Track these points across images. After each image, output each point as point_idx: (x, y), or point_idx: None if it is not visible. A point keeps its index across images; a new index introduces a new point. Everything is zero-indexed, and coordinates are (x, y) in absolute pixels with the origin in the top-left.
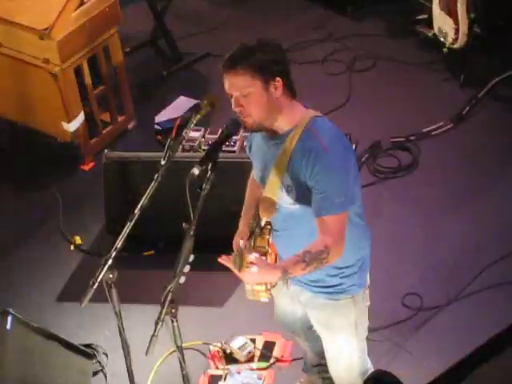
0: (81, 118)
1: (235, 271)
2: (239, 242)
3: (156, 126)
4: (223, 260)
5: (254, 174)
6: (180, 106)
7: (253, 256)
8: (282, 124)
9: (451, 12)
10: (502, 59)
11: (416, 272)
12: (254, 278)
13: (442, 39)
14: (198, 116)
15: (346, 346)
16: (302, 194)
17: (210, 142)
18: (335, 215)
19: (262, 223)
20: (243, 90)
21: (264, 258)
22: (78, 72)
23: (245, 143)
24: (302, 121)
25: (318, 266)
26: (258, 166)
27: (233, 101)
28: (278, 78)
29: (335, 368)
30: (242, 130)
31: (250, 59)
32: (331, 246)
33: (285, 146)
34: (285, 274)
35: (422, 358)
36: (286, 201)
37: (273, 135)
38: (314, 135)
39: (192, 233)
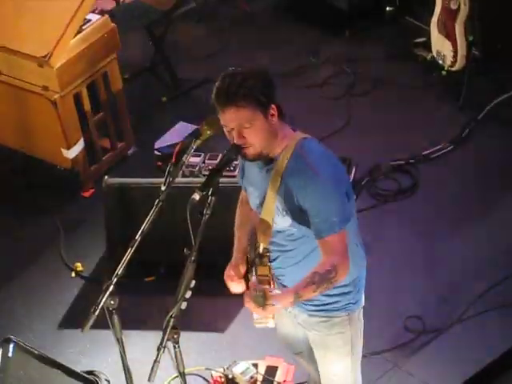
0: (80, 144)
1: (255, 309)
2: (239, 270)
3: (156, 152)
4: (248, 304)
5: (251, 201)
6: (180, 131)
7: (274, 292)
8: (275, 148)
9: (449, 35)
10: (501, 81)
11: (417, 295)
12: (273, 310)
13: (440, 62)
14: (198, 141)
15: (341, 367)
16: (298, 216)
17: (211, 168)
18: (335, 234)
19: (261, 250)
20: (246, 123)
21: (269, 286)
22: (78, 98)
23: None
24: (290, 143)
25: (328, 285)
26: (254, 193)
27: (234, 133)
28: (273, 105)
29: None
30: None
31: (247, 90)
32: (338, 265)
33: (276, 169)
34: (296, 297)
35: (424, 380)
36: (282, 224)
37: (267, 161)
38: (303, 157)
39: (193, 258)
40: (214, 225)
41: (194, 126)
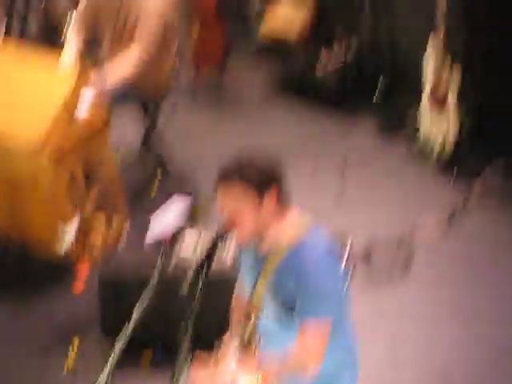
0: (73, 232)
1: None
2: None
3: (148, 240)
4: None
5: (245, 287)
6: (173, 206)
7: None
8: (271, 234)
9: (441, 107)
10: (492, 156)
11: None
12: None
13: (431, 139)
14: (190, 224)
15: None
16: (287, 305)
17: (203, 251)
18: (317, 319)
19: (246, 335)
20: (236, 205)
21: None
22: (72, 180)
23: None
24: (289, 232)
25: (296, 370)
26: (247, 278)
27: (224, 214)
28: (272, 190)
29: None
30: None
31: (244, 173)
32: (313, 360)
33: (271, 257)
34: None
35: None
36: (271, 310)
37: (261, 247)
38: (299, 250)
39: (188, 347)
40: (207, 311)
41: (188, 200)
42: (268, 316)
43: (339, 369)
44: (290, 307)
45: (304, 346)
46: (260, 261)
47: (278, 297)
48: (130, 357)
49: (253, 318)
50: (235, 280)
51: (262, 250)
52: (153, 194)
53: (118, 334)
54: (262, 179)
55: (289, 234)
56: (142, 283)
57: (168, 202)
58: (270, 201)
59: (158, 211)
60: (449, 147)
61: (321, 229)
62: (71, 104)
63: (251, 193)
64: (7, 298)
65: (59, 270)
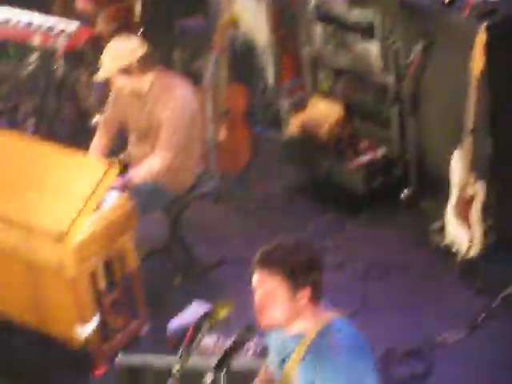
0: (94, 323)
1: None
2: None
3: (169, 333)
4: None
5: (270, 366)
6: (193, 311)
7: None
8: (299, 324)
9: (465, 220)
10: None
11: None
12: None
13: (455, 248)
14: (211, 322)
15: None
16: None
17: (224, 348)
18: None
19: None
20: (269, 291)
21: None
22: (93, 276)
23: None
24: (320, 321)
25: None
26: (274, 358)
27: (256, 296)
28: (307, 288)
29: None
30: (255, 337)
31: (285, 262)
32: None
33: (300, 346)
34: None
35: None
36: None
37: (290, 332)
38: (328, 338)
39: None
40: None
41: (209, 305)
42: None
43: None
44: None
45: None
46: (289, 345)
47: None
48: None
49: None
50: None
51: (290, 332)
52: (173, 299)
53: None
54: (301, 273)
55: (319, 321)
56: (160, 374)
57: (188, 308)
58: (303, 296)
59: (177, 317)
60: (472, 259)
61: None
62: (97, 199)
63: (286, 285)
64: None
65: (78, 356)
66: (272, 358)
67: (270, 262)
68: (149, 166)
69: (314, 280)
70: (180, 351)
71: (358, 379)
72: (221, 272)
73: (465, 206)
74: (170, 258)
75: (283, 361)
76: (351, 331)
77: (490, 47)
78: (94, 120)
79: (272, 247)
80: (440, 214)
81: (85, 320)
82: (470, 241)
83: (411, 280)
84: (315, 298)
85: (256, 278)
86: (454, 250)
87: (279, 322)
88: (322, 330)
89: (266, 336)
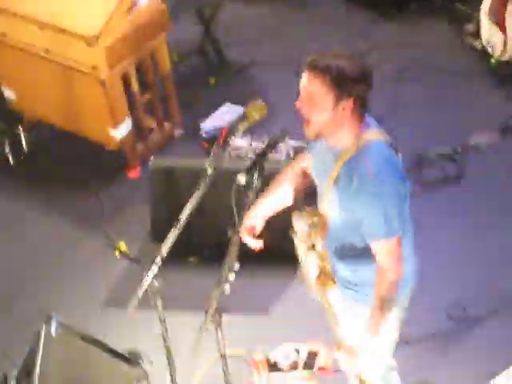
0: (128, 124)
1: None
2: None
3: (202, 134)
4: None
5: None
6: (226, 112)
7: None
8: (340, 139)
9: (500, 22)
10: None
11: (458, 284)
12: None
13: (489, 50)
14: (245, 124)
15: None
16: (349, 211)
17: (257, 150)
18: (384, 240)
19: (320, 248)
20: (313, 93)
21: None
22: (126, 78)
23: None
24: (357, 141)
25: (393, 300)
26: (314, 172)
27: (299, 98)
28: (351, 99)
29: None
30: (288, 140)
31: (335, 67)
32: (392, 275)
33: (337, 162)
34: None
35: (463, 368)
36: (334, 214)
37: (332, 146)
38: (363, 159)
39: (237, 241)
40: None
41: (241, 107)
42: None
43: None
44: (350, 218)
45: (381, 267)
46: (329, 161)
47: (339, 203)
48: (180, 249)
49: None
50: None
51: (331, 149)
52: (206, 100)
53: (168, 223)
54: (347, 82)
55: (356, 141)
56: (193, 175)
57: (220, 109)
58: (346, 107)
59: (210, 118)
60: (505, 62)
61: (390, 143)
62: (128, 1)
63: (331, 90)
64: (62, 181)
65: (112, 158)
66: (315, 167)
67: (320, 65)
68: None
69: (360, 94)
70: (213, 151)
71: (390, 202)
72: (253, 73)
73: (499, 8)
74: (203, 59)
75: (324, 172)
76: (386, 155)
77: None
78: None
79: (326, 52)
80: (474, 16)
81: (118, 121)
82: (504, 44)
83: (445, 83)
84: (358, 113)
85: (303, 79)
86: (488, 51)
87: (320, 129)
88: (359, 151)
89: (310, 145)
